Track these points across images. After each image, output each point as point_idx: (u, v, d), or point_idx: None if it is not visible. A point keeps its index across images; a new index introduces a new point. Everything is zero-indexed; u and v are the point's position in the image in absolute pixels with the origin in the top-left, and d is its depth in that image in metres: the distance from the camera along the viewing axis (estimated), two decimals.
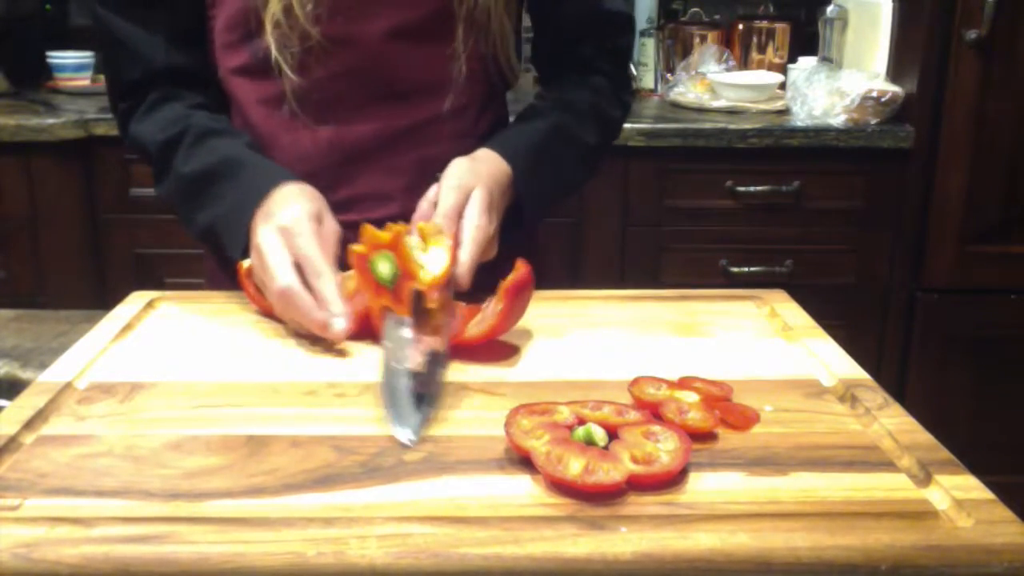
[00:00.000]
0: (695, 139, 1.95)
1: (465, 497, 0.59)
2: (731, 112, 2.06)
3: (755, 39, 2.32)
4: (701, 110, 2.10)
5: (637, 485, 0.59)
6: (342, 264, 0.84)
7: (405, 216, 0.89)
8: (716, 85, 2.11)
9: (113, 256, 2.04)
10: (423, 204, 0.90)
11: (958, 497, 0.58)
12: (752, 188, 1.98)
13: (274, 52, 0.93)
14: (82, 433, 0.67)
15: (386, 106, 0.98)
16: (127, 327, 0.87)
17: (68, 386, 0.75)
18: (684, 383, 0.73)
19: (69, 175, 1.97)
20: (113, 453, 0.64)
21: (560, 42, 1.09)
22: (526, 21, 1.11)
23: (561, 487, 0.59)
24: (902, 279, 2.03)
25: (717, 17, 2.43)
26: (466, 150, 0.94)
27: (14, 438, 0.66)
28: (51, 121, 1.91)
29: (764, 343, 0.85)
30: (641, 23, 2.30)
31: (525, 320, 0.83)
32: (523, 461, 0.62)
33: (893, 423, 0.69)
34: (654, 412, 0.68)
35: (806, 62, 2.16)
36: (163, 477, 0.61)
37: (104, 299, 1.94)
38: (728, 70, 2.21)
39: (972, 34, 1.85)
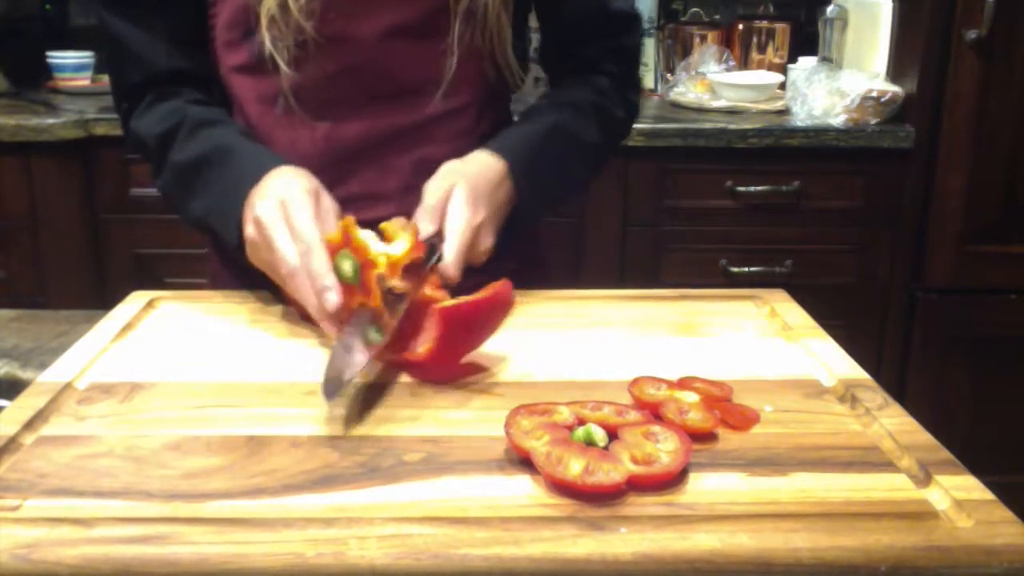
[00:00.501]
0: (695, 139, 1.95)
1: (465, 498, 0.59)
2: (731, 112, 2.06)
3: (755, 39, 2.32)
4: (701, 110, 2.10)
5: (637, 486, 0.59)
6: None
7: (401, 216, 0.89)
8: (716, 85, 2.11)
9: (113, 256, 2.04)
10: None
11: (958, 497, 0.58)
12: (752, 188, 1.98)
13: (268, 47, 0.93)
14: (82, 433, 0.67)
15: (382, 105, 0.98)
16: (127, 327, 0.87)
17: (68, 386, 0.75)
18: (684, 383, 0.73)
19: (69, 175, 1.96)
20: (113, 453, 0.64)
21: (566, 42, 1.08)
22: (532, 23, 1.11)
23: (561, 488, 0.59)
24: (902, 279, 2.03)
25: (717, 17, 2.43)
26: (464, 152, 0.94)
27: (14, 438, 0.66)
28: (51, 121, 1.91)
29: (764, 343, 0.85)
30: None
31: (525, 320, 0.83)
32: (523, 461, 0.62)
33: (893, 423, 0.69)
34: (654, 412, 0.68)
35: (806, 62, 2.16)
36: (163, 478, 0.61)
37: (104, 299, 1.94)
38: (728, 70, 2.21)
39: (972, 34, 1.85)
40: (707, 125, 1.96)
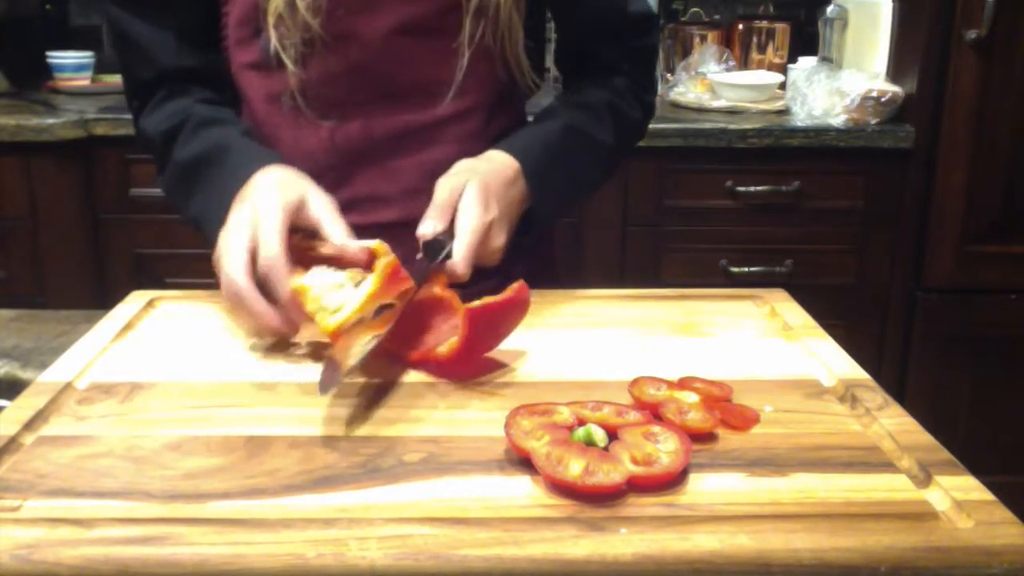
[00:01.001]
0: (695, 139, 1.95)
1: (465, 498, 0.59)
2: (731, 112, 2.06)
3: (755, 39, 2.32)
4: (701, 110, 2.09)
5: (637, 486, 0.59)
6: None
7: (406, 221, 0.88)
8: (716, 85, 2.11)
9: (113, 256, 2.04)
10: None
11: (958, 498, 0.58)
12: (752, 188, 1.98)
13: (274, 44, 0.93)
14: (82, 434, 0.67)
15: (389, 105, 0.97)
16: (127, 327, 0.87)
17: (68, 386, 0.75)
18: (684, 383, 0.73)
19: (69, 175, 1.96)
20: (113, 454, 0.64)
21: (583, 43, 1.07)
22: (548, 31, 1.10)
23: (561, 488, 0.59)
24: (902, 279, 2.02)
25: (717, 17, 2.43)
26: (472, 154, 0.93)
27: (14, 438, 0.66)
28: (51, 121, 1.91)
29: (764, 343, 0.85)
30: None
31: (525, 320, 0.83)
32: (523, 462, 0.62)
33: (893, 423, 0.69)
34: (654, 412, 0.68)
35: (806, 62, 2.16)
36: (163, 478, 0.61)
37: (104, 299, 1.94)
38: (728, 70, 2.21)
39: (972, 34, 1.85)
40: (707, 125, 1.96)
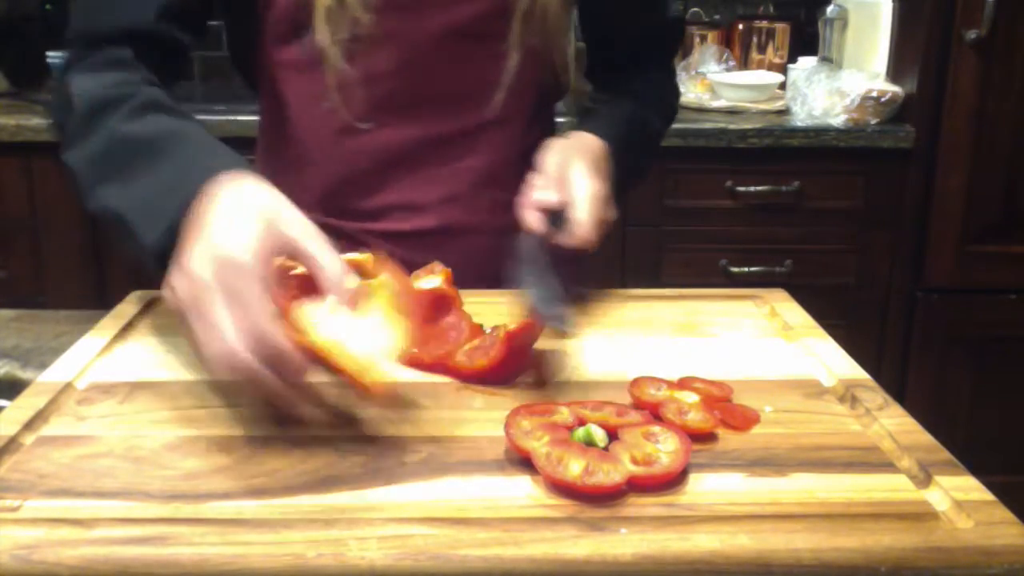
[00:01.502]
0: (695, 139, 1.95)
1: (465, 498, 0.59)
2: (731, 112, 2.06)
3: (755, 39, 2.32)
4: (701, 110, 2.09)
5: (637, 486, 0.59)
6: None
7: (442, 229, 0.86)
8: (716, 85, 2.11)
9: (113, 256, 2.04)
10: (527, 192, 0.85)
11: (958, 498, 0.58)
12: (752, 188, 1.98)
13: (320, 40, 0.90)
14: (82, 434, 0.67)
15: (430, 109, 0.96)
16: (127, 327, 0.87)
17: (68, 386, 0.74)
18: (684, 383, 0.73)
19: (69, 175, 1.96)
20: (113, 454, 0.64)
21: (622, 50, 1.07)
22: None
23: (561, 488, 0.59)
24: (902, 279, 2.02)
25: (717, 17, 2.42)
26: (510, 165, 0.92)
27: (14, 439, 0.66)
28: (51, 121, 1.91)
29: (764, 343, 0.85)
30: None
31: None
32: (523, 462, 0.62)
33: (893, 423, 0.68)
34: (654, 413, 0.68)
35: (806, 62, 2.16)
36: (163, 478, 0.61)
37: (104, 299, 1.94)
38: (728, 70, 2.21)
39: (972, 34, 1.85)
40: (707, 125, 1.96)
